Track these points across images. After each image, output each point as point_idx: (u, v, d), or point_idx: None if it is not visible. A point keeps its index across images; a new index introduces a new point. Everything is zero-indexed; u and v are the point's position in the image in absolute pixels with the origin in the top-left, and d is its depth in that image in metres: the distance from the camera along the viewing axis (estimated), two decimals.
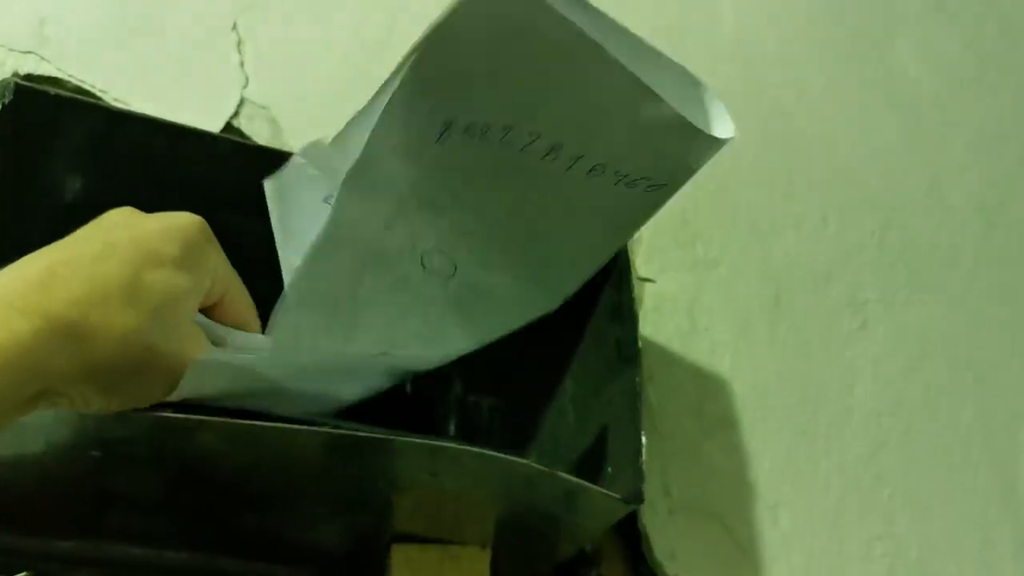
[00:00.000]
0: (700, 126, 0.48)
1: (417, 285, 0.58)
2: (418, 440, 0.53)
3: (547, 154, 0.49)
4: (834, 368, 0.76)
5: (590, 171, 0.50)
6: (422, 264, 0.57)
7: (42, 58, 0.63)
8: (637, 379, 0.58)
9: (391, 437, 0.51)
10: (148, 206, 0.63)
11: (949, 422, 0.77)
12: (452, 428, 0.75)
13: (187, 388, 0.43)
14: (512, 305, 0.61)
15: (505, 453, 0.53)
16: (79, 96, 0.58)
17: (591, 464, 0.62)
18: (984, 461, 0.76)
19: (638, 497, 0.54)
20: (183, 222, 0.44)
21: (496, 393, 0.76)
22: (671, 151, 0.50)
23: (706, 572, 0.63)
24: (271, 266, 0.63)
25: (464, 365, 0.75)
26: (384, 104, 0.47)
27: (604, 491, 0.52)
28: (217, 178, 0.64)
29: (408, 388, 0.75)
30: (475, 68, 0.45)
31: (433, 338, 0.60)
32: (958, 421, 0.77)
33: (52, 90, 0.55)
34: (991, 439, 0.77)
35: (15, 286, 0.36)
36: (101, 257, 0.39)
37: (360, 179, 0.49)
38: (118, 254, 0.40)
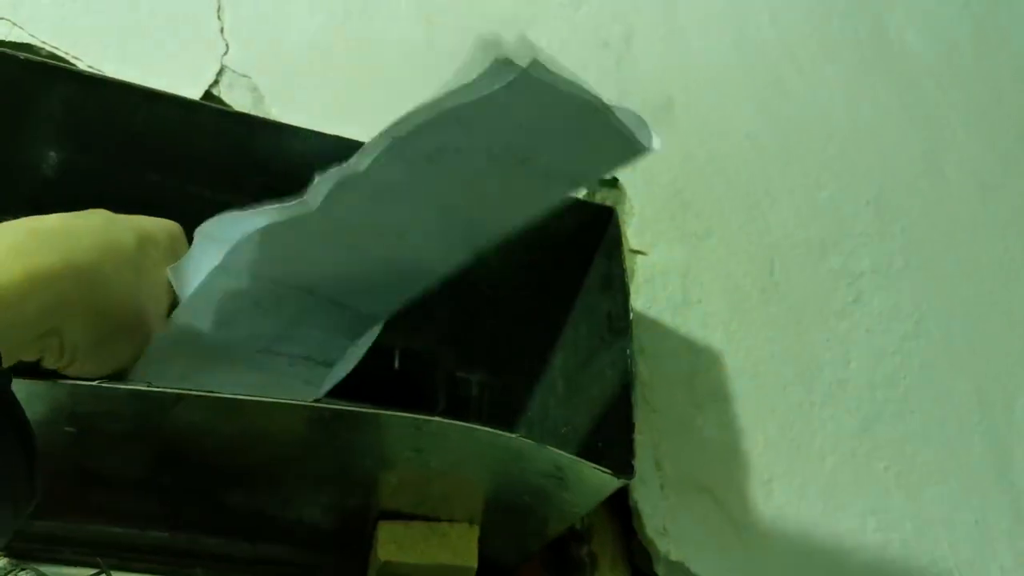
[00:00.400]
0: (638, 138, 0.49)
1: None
2: (402, 415, 0.52)
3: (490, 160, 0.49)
4: (829, 341, 0.75)
5: (526, 168, 0.51)
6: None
7: (14, 24, 0.61)
8: (628, 351, 0.57)
9: (374, 411, 0.49)
10: (124, 176, 0.62)
11: (945, 395, 0.76)
12: (441, 404, 0.74)
13: (152, 358, 0.47)
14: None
15: (494, 428, 0.52)
16: (51, 60, 0.56)
17: (581, 438, 0.61)
18: (980, 434, 0.75)
19: (629, 471, 0.53)
20: (168, 223, 0.50)
21: (486, 368, 0.74)
22: (604, 156, 0.52)
23: (698, 547, 0.62)
24: None
25: (454, 341, 0.74)
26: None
27: (594, 466, 0.51)
28: (194, 148, 0.62)
29: (397, 365, 0.74)
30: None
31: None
32: (954, 394, 0.76)
33: (22, 55, 0.53)
34: (987, 412, 0.76)
35: (41, 226, 0.41)
36: (109, 226, 0.45)
37: None
38: (123, 227, 0.46)
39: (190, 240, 0.51)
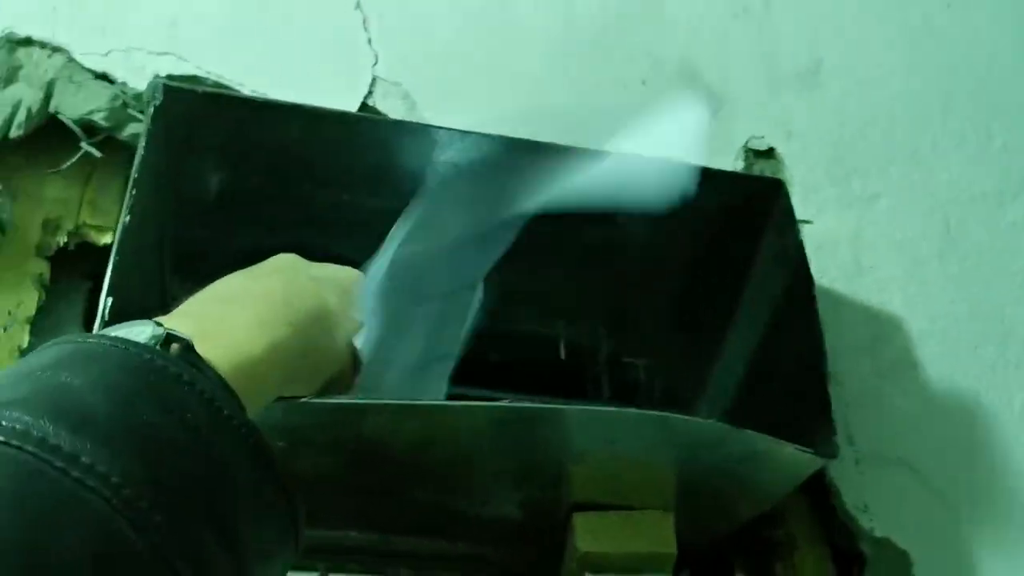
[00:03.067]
0: None
1: None
2: (596, 408, 0.52)
3: None
4: (1018, 298, 0.70)
5: None
6: None
7: (179, 57, 0.63)
8: (815, 327, 0.55)
9: (570, 407, 0.50)
10: (282, 192, 0.64)
11: None
12: (607, 391, 0.73)
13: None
14: None
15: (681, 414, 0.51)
16: (222, 90, 0.58)
17: (769, 419, 0.59)
18: None
19: (831, 450, 0.51)
20: (351, 272, 0.51)
21: (651, 354, 0.74)
22: None
23: (902, 523, 0.60)
24: None
25: (617, 326, 0.73)
26: None
27: (797, 447, 0.50)
28: (354, 159, 0.63)
29: (563, 355, 0.74)
30: None
31: None
32: None
33: (198, 87, 0.55)
34: None
35: (270, 293, 0.43)
36: (317, 288, 0.46)
37: None
38: (326, 286, 0.47)
39: None
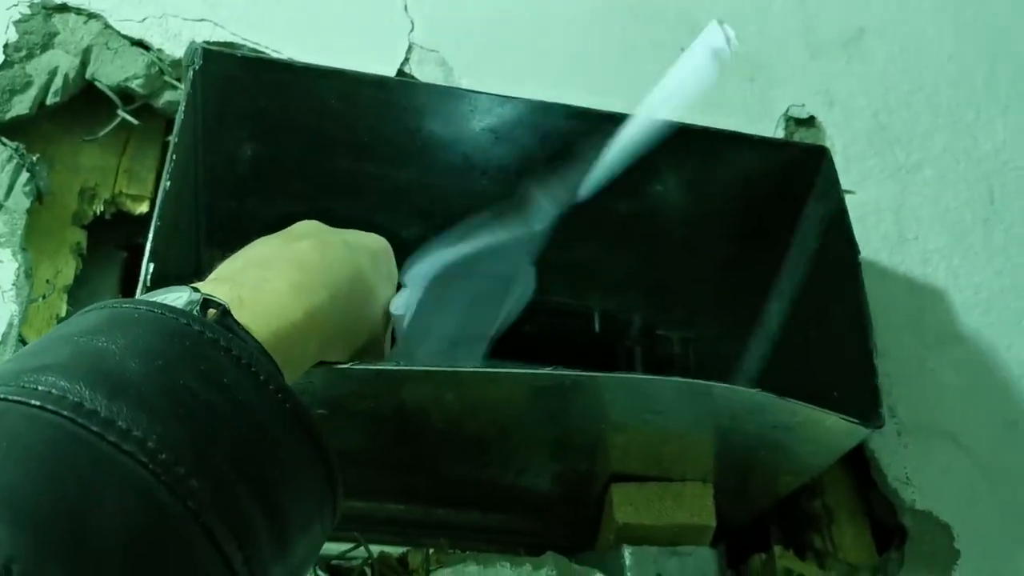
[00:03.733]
0: None
1: None
2: (635, 376, 0.51)
3: None
4: None
5: None
6: None
7: (216, 24, 0.63)
8: (860, 295, 0.54)
9: (610, 376, 0.49)
10: (314, 162, 0.64)
11: None
12: (639, 364, 0.73)
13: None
14: None
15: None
16: (261, 54, 0.57)
17: (812, 389, 0.59)
18: None
19: (877, 420, 0.50)
20: (380, 240, 0.50)
21: (687, 325, 0.73)
22: None
23: (945, 496, 0.59)
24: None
25: (651, 298, 0.73)
26: None
27: (842, 416, 0.49)
28: (390, 126, 0.63)
29: (597, 328, 0.73)
30: None
31: None
32: None
33: (237, 52, 0.54)
34: None
35: (306, 259, 0.42)
36: (352, 255, 0.45)
37: None
38: (360, 251, 0.46)
39: None
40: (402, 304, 0.50)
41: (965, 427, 0.62)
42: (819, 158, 0.61)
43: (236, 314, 0.35)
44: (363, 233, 0.50)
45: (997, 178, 0.72)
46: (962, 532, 0.58)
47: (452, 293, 0.56)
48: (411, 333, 0.52)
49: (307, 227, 0.47)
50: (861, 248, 0.66)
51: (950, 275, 0.67)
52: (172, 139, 0.49)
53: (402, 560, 0.53)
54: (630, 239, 0.69)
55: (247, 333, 0.35)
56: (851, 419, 0.49)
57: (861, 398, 0.52)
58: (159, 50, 0.62)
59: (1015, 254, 0.69)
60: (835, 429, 0.51)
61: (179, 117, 0.50)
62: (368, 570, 0.52)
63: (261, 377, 0.32)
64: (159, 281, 0.47)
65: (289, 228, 0.47)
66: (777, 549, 0.59)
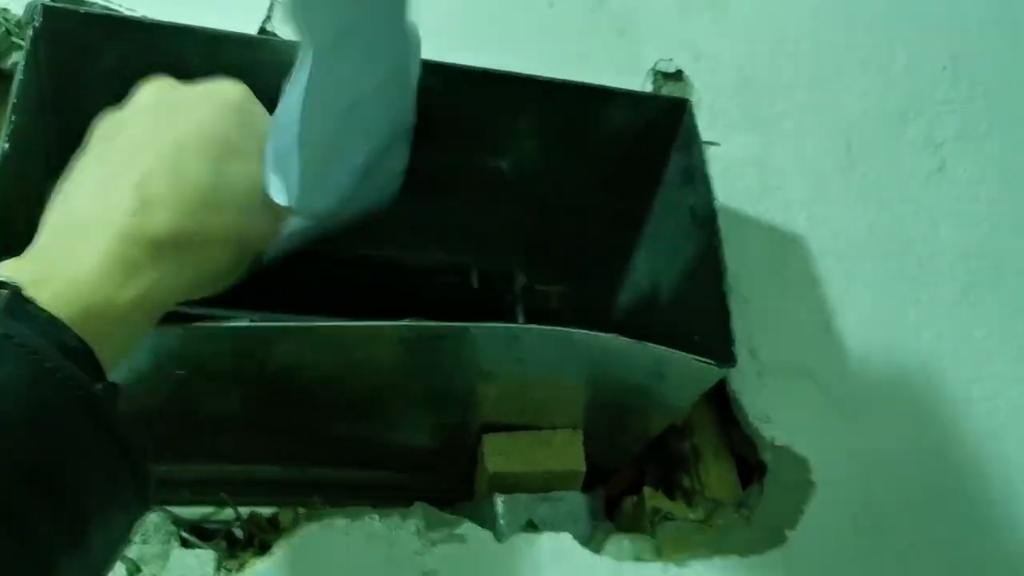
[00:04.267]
0: None
1: None
2: (499, 325, 0.52)
3: None
4: (916, 214, 0.72)
5: None
6: None
7: None
8: (715, 241, 0.56)
9: (472, 326, 0.50)
10: None
11: None
12: (521, 319, 0.74)
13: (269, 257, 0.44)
14: None
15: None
16: (110, 11, 0.56)
17: (675, 334, 0.61)
18: None
19: (730, 360, 0.52)
20: (231, 95, 0.43)
21: (563, 279, 0.74)
22: None
23: (802, 431, 0.62)
24: None
25: (530, 255, 0.73)
26: None
27: (696, 357, 0.51)
28: (256, 84, 0.62)
29: (475, 283, 0.74)
30: None
31: None
32: None
33: (81, 8, 0.53)
34: None
35: (114, 216, 0.37)
36: (178, 161, 0.39)
37: None
38: (192, 152, 0.39)
39: None
40: (282, 190, 0.42)
41: (821, 365, 0.64)
42: (681, 111, 0.62)
43: (39, 292, 0.33)
44: (218, 84, 0.44)
45: (855, 130, 0.75)
46: (818, 464, 0.61)
47: (344, 126, 0.46)
48: (313, 183, 0.43)
49: (150, 100, 0.43)
50: (726, 199, 0.69)
51: (809, 223, 0.70)
52: (11, 99, 0.47)
53: (272, 520, 0.53)
54: (504, 196, 0.69)
55: (42, 315, 0.33)
56: (705, 360, 0.51)
57: (718, 339, 0.54)
58: (5, 9, 0.60)
59: (870, 200, 0.72)
60: (692, 370, 0.53)
61: (18, 76, 0.48)
62: (237, 532, 0.52)
63: (47, 365, 0.31)
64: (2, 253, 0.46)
65: (131, 106, 0.43)
66: (647, 490, 0.61)
